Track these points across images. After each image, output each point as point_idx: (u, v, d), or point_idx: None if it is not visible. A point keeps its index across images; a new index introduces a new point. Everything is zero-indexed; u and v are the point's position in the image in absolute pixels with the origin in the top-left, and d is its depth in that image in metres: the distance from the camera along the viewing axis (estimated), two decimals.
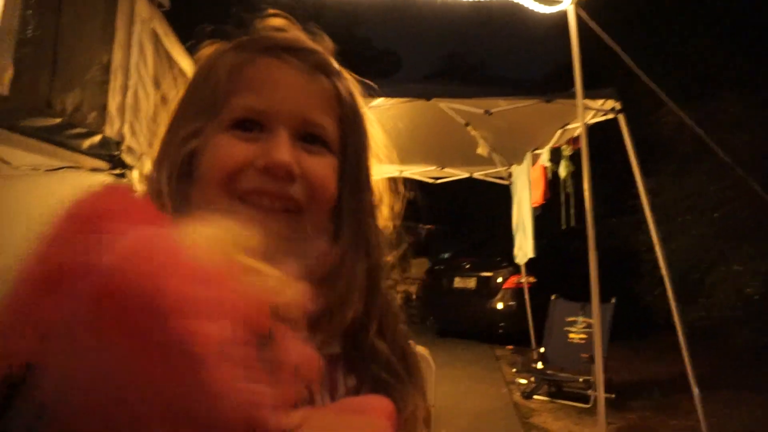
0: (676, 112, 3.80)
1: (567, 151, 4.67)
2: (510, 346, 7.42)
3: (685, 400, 4.25)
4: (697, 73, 7.72)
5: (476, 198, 13.17)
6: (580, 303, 5.36)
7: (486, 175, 6.25)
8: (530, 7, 3.40)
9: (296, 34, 0.63)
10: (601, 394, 3.20)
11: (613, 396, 4.63)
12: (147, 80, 2.58)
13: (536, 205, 5.23)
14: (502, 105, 4.05)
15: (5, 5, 1.59)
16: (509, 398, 5.34)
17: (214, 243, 0.39)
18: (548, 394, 5.29)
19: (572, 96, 3.62)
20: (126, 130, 2.36)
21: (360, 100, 0.65)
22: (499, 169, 5.98)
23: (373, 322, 0.61)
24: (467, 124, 4.61)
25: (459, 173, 6.20)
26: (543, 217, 5.36)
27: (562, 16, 3.58)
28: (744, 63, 7.30)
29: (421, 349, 2.95)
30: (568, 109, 4.01)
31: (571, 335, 5.41)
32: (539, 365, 5.33)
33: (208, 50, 0.64)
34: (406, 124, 4.59)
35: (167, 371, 0.33)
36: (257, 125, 0.56)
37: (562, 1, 3.48)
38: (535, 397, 5.28)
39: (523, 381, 5.50)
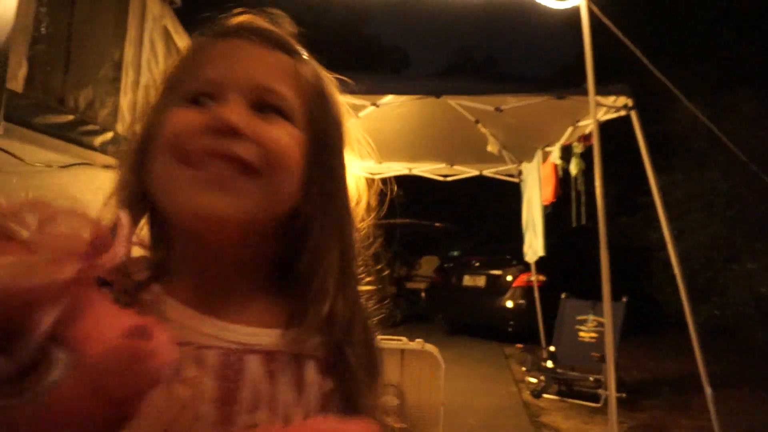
0: (690, 108, 3.75)
1: (578, 148, 4.63)
2: (519, 345, 7.39)
3: (696, 399, 4.20)
4: (711, 68, 7.63)
5: (486, 196, 13.13)
6: (591, 301, 5.32)
7: (496, 172, 6.22)
8: (542, 3, 3.37)
9: (257, 18, 0.63)
10: (612, 394, 3.18)
11: (624, 395, 4.60)
12: (158, 77, 2.59)
13: (547, 203, 5.19)
14: (512, 102, 4.03)
15: (20, 3, 1.60)
16: (519, 397, 5.32)
17: None
18: (558, 393, 5.26)
19: (584, 92, 3.59)
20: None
21: (328, 85, 0.63)
22: (509, 166, 5.95)
23: (347, 317, 0.59)
24: (477, 122, 4.59)
25: (469, 171, 6.17)
26: (553, 215, 5.33)
27: (572, 12, 3.55)
28: (760, 58, 7.21)
29: (430, 347, 2.94)
30: (579, 105, 3.97)
31: (582, 334, 5.38)
32: (549, 364, 5.30)
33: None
34: (415, 121, 4.58)
35: None
36: (212, 98, 0.55)
37: None
38: (545, 395, 5.26)
39: (533, 380, 5.47)
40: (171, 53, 2.74)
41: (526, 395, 5.33)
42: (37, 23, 1.84)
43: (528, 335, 6.98)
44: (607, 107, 4.00)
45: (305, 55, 0.62)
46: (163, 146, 0.54)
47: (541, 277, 6.92)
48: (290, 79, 0.59)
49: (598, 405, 4.75)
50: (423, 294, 9.83)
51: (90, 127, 2.12)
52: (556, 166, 4.96)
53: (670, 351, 6.72)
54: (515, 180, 6.12)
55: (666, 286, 6.22)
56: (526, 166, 5.72)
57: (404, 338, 2.95)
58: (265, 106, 0.56)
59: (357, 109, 3.94)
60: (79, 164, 2.04)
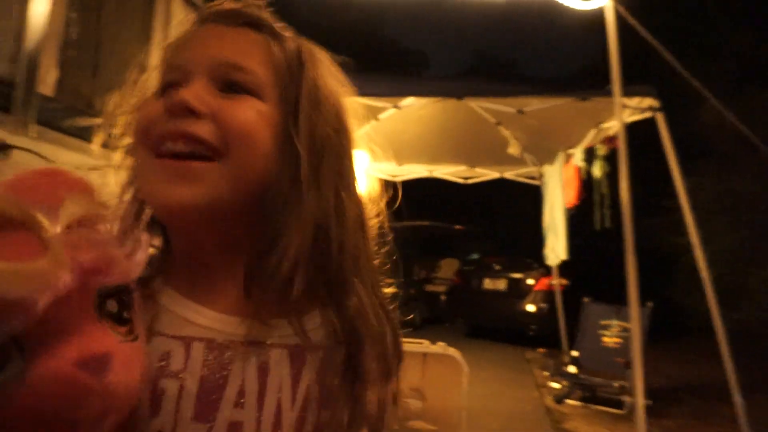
0: (718, 108, 3.67)
1: (602, 150, 4.57)
2: (541, 349, 7.31)
3: (724, 407, 4.10)
4: (739, 68, 7.47)
5: (506, 198, 13.03)
6: (615, 306, 5.24)
7: (517, 175, 6.16)
8: (567, 4, 3.33)
9: (228, 2, 0.61)
10: (640, 401, 3.12)
11: (650, 402, 4.52)
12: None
13: (569, 206, 5.13)
14: (535, 104, 3.99)
15: (52, 10, 1.63)
16: (541, 402, 5.26)
17: None
18: (581, 399, 5.18)
19: (608, 94, 3.54)
20: None
21: (311, 59, 0.60)
22: (530, 169, 5.90)
23: (354, 309, 0.57)
24: (498, 123, 4.55)
25: (489, 173, 6.13)
26: (574, 218, 5.27)
27: (592, 13, 3.49)
28: None
29: (452, 351, 2.92)
30: (603, 107, 3.92)
31: (605, 339, 5.30)
32: (572, 369, 5.23)
33: None
34: (436, 123, 4.57)
35: None
36: (179, 85, 0.54)
37: None
38: (568, 401, 5.19)
39: (556, 385, 5.40)
40: None
41: (549, 400, 5.26)
42: (67, 29, 1.87)
43: (549, 340, 6.89)
44: (631, 109, 3.94)
45: (281, 31, 0.60)
46: (136, 140, 0.55)
47: (563, 281, 6.84)
48: (259, 54, 0.57)
49: (622, 412, 4.67)
50: (442, 297, 9.78)
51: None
52: (578, 168, 4.90)
53: (694, 357, 6.58)
54: (536, 182, 6.06)
55: (691, 291, 6.09)
56: (547, 169, 5.66)
57: (426, 341, 2.94)
58: (231, 84, 0.54)
59: (378, 111, 3.94)
60: (106, 166, 2.08)
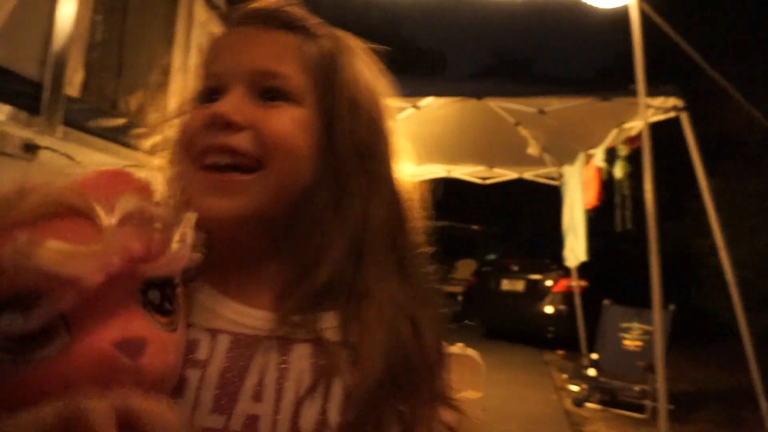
0: (745, 107, 3.60)
1: (623, 151, 4.50)
2: (560, 351, 7.23)
3: (749, 413, 4.02)
4: (756, 66, 7.32)
5: (524, 199, 12.94)
6: (636, 309, 5.16)
7: (536, 175, 6.11)
8: (590, 3, 3.28)
9: (261, 1, 0.60)
10: (663, 406, 3.06)
11: (672, 407, 4.44)
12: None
13: (590, 206, 5.07)
14: (555, 104, 3.95)
15: (78, 13, 1.66)
16: (560, 405, 5.20)
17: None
18: (601, 402, 5.11)
19: (630, 93, 3.49)
20: None
21: (345, 54, 0.60)
22: (550, 169, 5.85)
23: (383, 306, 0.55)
24: (518, 124, 4.52)
25: (508, 173, 6.09)
26: (594, 219, 5.20)
27: (614, 12, 3.44)
28: None
29: (471, 352, 2.91)
30: (624, 107, 3.86)
31: (626, 342, 5.21)
32: (592, 372, 5.16)
33: None
34: (455, 123, 4.55)
35: None
36: (220, 93, 0.56)
37: None
38: (587, 404, 5.12)
39: (575, 388, 5.34)
40: None
41: (568, 403, 5.20)
42: (93, 31, 1.90)
43: (568, 342, 6.81)
44: (655, 108, 3.88)
45: (316, 30, 0.60)
46: (180, 151, 0.57)
47: (583, 283, 6.76)
48: (294, 58, 0.57)
49: (644, 416, 4.60)
50: (460, 297, 9.74)
51: (140, 131, 2.18)
52: (599, 169, 4.84)
53: (718, 362, 6.45)
54: (555, 183, 6.00)
55: (715, 294, 5.98)
56: (567, 169, 5.60)
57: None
58: (268, 90, 0.56)
59: (396, 111, 3.93)
60: (131, 166, 2.11)
